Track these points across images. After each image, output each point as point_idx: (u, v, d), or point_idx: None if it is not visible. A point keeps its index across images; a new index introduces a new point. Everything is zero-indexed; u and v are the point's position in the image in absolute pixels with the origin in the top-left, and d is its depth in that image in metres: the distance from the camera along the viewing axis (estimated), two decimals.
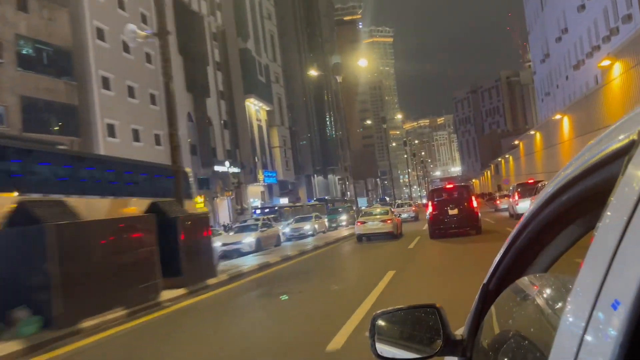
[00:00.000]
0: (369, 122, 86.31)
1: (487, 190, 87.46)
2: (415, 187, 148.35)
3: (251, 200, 53.79)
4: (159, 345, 6.86)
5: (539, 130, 39.25)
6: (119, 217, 11.75)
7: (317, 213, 31.20)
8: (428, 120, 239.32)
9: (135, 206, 14.95)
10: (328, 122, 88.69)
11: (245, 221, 28.09)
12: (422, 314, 1.28)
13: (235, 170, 48.84)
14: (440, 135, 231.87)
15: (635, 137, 0.60)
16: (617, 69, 20.71)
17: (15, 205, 8.29)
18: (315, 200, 64.73)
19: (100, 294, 8.31)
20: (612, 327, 0.49)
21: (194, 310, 9.30)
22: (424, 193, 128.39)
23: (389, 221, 19.66)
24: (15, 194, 11.69)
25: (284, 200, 61.29)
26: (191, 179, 25.33)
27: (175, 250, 10.82)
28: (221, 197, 47.68)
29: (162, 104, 37.54)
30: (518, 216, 20.83)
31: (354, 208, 33.92)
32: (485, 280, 1.27)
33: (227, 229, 38.53)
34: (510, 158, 57.23)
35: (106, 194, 16.23)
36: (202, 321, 8.35)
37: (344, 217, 32.47)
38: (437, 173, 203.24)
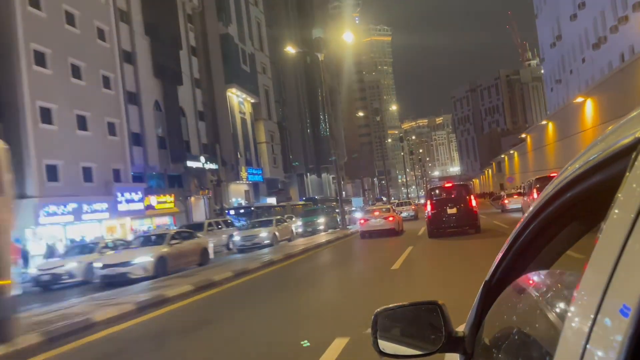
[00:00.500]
0: (360, 113, 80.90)
1: (488, 190, 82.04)
2: (413, 187, 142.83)
3: (233, 200, 48.40)
4: None
5: (552, 119, 33.75)
6: None
7: (290, 215, 25.69)
8: (426, 120, 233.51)
9: None
10: (322, 119, 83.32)
11: (145, 232, 22.20)
12: (424, 311, 1.25)
13: (213, 166, 43.40)
14: (439, 135, 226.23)
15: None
16: None
17: None
18: (305, 200, 59.31)
19: None
20: (618, 332, 0.47)
21: None
22: (422, 193, 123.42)
23: (391, 218, 20.02)
24: None
25: (272, 200, 55.90)
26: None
27: None
28: (197, 197, 42.27)
29: (119, 87, 32.28)
30: None
31: (337, 210, 28.47)
32: (487, 277, 1.24)
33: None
34: (515, 154, 51.75)
35: None
36: None
37: (321, 220, 26.50)
38: (436, 173, 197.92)
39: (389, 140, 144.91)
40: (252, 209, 34.45)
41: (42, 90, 24.67)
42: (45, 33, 25.34)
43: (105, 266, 13.39)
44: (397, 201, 50.35)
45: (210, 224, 20.16)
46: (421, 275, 9.91)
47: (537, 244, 1.13)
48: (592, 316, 0.54)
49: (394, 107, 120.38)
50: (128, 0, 34.85)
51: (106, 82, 30.13)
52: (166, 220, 38.06)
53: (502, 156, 61.13)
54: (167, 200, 37.64)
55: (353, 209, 46.45)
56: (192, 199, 42.07)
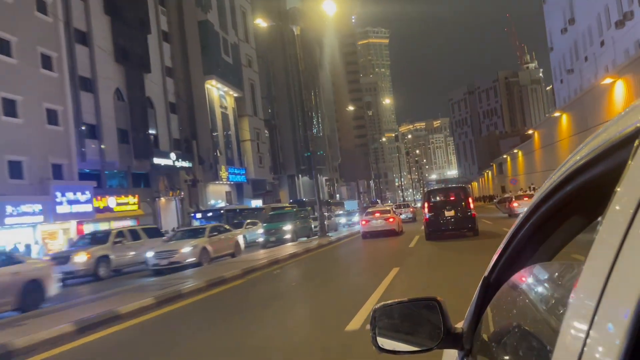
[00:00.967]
0: (351, 107, 75.87)
1: (487, 193, 77.12)
2: (410, 190, 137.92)
3: (212, 202, 43.45)
4: None
5: (567, 110, 28.85)
6: None
7: (254, 221, 20.82)
8: (424, 123, 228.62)
9: None
10: (315, 118, 78.51)
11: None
12: (423, 307, 1.23)
13: (186, 164, 38.52)
14: (436, 138, 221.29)
15: None
16: None
17: None
18: (291, 202, 54.38)
19: None
20: (618, 328, 0.46)
21: None
22: (419, 197, 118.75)
23: (392, 220, 20.25)
24: None
25: (258, 203, 51.01)
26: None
27: None
28: (167, 198, 37.36)
29: (64, 70, 27.38)
30: None
31: (315, 214, 23.54)
32: (486, 273, 1.22)
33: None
34: (519, 153, 46.87)
35: None
36: None
37: (288, 227, 20.67)
38: (433, 176, 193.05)
39: (384, 139, 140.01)
40: (222, 211, 29.45)
41: None
42: None
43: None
44: (392, 204, 46.19)
45: (119, 234, 15.08)
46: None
47: (536, 238, 1.09)
48: (592, 311, 0.52)
49: (387, 101, 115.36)
50: None
51: (46, 62, 25.21)
52: (128, 223, 33.13)
53: (504, 156, 56.24)
54: (129, 202, 32.72)
55: (338, 212, 41.71)
56: (163, 200, 37.18)
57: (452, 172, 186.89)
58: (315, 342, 5.21)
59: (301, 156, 74.51)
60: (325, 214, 26.31)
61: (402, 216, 29.37)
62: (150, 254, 13.46)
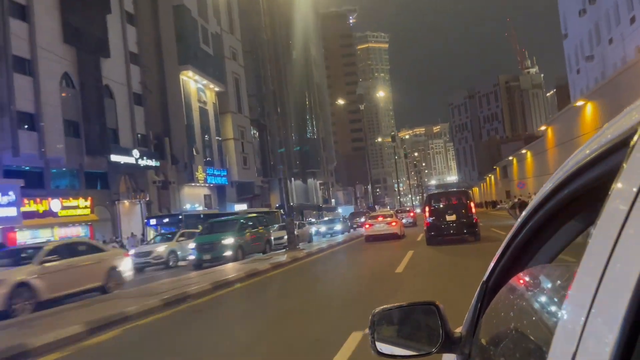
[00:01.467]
0: (341, 101, 71.01)
1: (490, 199, 71.94)
2: (409, 196, 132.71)
3: (187, 206, 38.40)
4: None
5: (593, 99, 23.77)
6: None
7: (189, 231, 15.56)
8: (424, 129, 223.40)
9: None
10: (309, 119, 73.53)
11: None
12: (422, 311, 1.21)
13: (152, 163, 33.50)
14: (436, 143, 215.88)
15: (636, 127, 0.56)
16: None
17: None
18: (277, 207, 49.27)
19: None
20: (610, 331, 0.46)
21: None
22: (418, 202, 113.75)
23: (394, 223, 20.57)
24: None
25: (242, 207, 45.93)
26: None
27: None
28: (132, 201, 32.34)
29: None
30: None
31: (285, 217, 18.51)
32: (484, 278, 1.20)
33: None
34: (528, 154, 41.77)
35: None
36: None
37: (229, 242, 14.93)
38: (433, 182, 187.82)
39: (379, 139, 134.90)
40: (180, 217, 24.33)
41: None
42: None
43: None
44: (393, 210, 42.55)
45: (54, 251, 9.64)
46: None
47: (534, 243, 1.08)
48: (585, 315, 0.52)
49: (381, 94, 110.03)
50: None
51: None
52: (78, 230, 28.10)
53: (510, 158, 51.06)
54: (79, 205, 27.68)
55: (311, 220, 36.71)
56: (126, 203, 32.13)
57: (452, 178, 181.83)
58: None
59: (294, 159, 69.55)
60: (296, 222, 21.29)
61: (403, 221, 28.66)
62: None
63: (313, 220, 36.91)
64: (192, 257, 14.86)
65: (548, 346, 0.62)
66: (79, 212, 27.63)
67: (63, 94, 27.17)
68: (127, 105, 32.01)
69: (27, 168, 25.10)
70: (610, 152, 0.63)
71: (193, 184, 39.73)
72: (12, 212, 21.33)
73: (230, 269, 12.02)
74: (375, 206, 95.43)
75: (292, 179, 71.11)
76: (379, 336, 1.23)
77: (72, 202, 27.23)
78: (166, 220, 24.10)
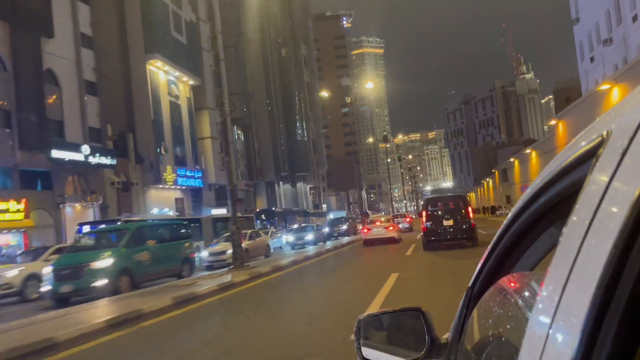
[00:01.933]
0: (324, 92, 66.32)
1: (488, 204, 67.37)
2: (403, 202, 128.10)
3: (155, 210, 33.68)
4: None
5: (622, 81, 19.24)
6: None
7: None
8: (419, 134, 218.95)
9: None
10: (298, 121, 68.89)
11: None
12: (408, 317, 1.20)
13: (108, 161, 28.84)
14: (431, 149, 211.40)
15: (604, 136, 0.57)
16: None
17: None
18: (258, 212, 44.50)
19: None
20: (570, 337, 0.47)
21: None
22: (413, 208, 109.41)
23: (391, 228, 21.01)
24: None
25: (221, 211, 41.25)
26: None
27: None
28: (83, 204, 27.65)
29: None
30: None
31: (187, 247, 13.17)
32: (470, 284, 1.19)
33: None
34: (533, 154, 37.26)
35: None
36: None
37: (105, 264, 9.59)
38: (428, 188, 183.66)
39: (370, 140, 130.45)
40: (119, 222, 19.61)
41: None
42: None
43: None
44: (389, 216, 38.38)
45: None
46: None
47: (517, 249, 1.08)
48: (549, 323, 0.53)
49: (370, 84, 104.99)
50: None
51: None
52: (7, 238, 23.40)
53: (511, 160, 46.47)
54: (9, 209, 22.96)
55: (275, 228, 31.29)
56: (77, 207, 27.43)
57: (447, 184, 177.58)
58: None
59: (283, 162, 64.85)
60: (246, 231, 16.63)
61: (400, 226, 28.05)
62: None
63: (274, 228, 31.89)
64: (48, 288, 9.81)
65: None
66: (8, 216, 22.92)
67: None
68: (76, 94, 27.36)
69: None
70: (581, 161, 0.63)
71: (161, 186, 35.09)
72: None
73: (93, 312, 7.36)
74: (368, 211, 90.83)
75: (281, 182, 66.55)
76: (365, 342, 1.19)
77: (1, 205, 22.56)
78: (103, 226, 19.40)
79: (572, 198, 0.63)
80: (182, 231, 13.57)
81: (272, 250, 21.98)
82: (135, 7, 33.84)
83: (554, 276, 0.56)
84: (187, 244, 12.95)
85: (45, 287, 9.59)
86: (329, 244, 23.78)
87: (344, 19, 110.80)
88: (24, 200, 23.59)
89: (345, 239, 27.20)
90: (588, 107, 23.35)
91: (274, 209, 44.85)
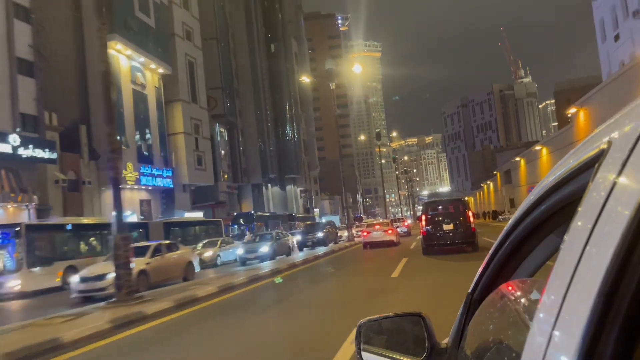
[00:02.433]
0: (306, 80, 61.83)
1: (488, 208, 62.65)
2: (399, 207, 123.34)
3: (114, 213, 28.91)
4: None
5: None
6: None
7: None
8: (416, 139, 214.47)
9: None
10: (288, 120, 64.23)
11: None
12: (408, 322, 1.20)
13: (46, 154, 24.02)
14: (428, 153, 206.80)
15: (604, 146, 0.57)
16: None
17: None
18: (236, 215, 39.63)
19: None
20: (574, 337, 0.47)
21: None
22: (410, 213, 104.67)
23: (390, 231, 21.04)
24: None
25: (198, 215, 36.44)
26: None
27: None
28: (15, 205, 22.80)
29: None
30: None
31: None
32: (470, 289, 1.18)
33: None
34: (543, 151, 32.53)
35: None
36: None
37: None
38: (425, 192, 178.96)
39: (361, 137, 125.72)
40: (18, 229, 14.83)
41: None
42: None
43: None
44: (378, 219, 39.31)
45: None
46: None
47: (517, 256, 1.08)
48: (552, 324, 0.53)
49: (358, 67, 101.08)
50: None
51: None
52: None
53: (517, 159, 41.69)
54: None
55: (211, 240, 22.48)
56: (10, 208, 22.58)
57: (445, 189, 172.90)
58: None
59: (271, 163, 60.07)
60: (150, 243, 11.78)
61: (398, 230, 26.85)
62: None
63: (250, 234, 26.77)
64: None
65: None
66: None
67: None
68: (5, 74, 22.58)
69: None
70: (582, 170, 0.63)
71: (121, 186, 30.22)
72: None
73: None
74: (362, 216, 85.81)
75: (269, 185, 61.75)
76: (365, 347, 1.18)
77: None
78: None
79: (572, 206, 0.62)
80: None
81: (217, 266, 16.90)
82: None
83: (555, 284, 0.56)
84: None
85: None
86: (301, 255, 18.85)
87: (339, 17, 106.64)
88: None
89: (321, 249, 21.89)
90: (619, 88, 18.65)
91: (252, 212, 39.87)
